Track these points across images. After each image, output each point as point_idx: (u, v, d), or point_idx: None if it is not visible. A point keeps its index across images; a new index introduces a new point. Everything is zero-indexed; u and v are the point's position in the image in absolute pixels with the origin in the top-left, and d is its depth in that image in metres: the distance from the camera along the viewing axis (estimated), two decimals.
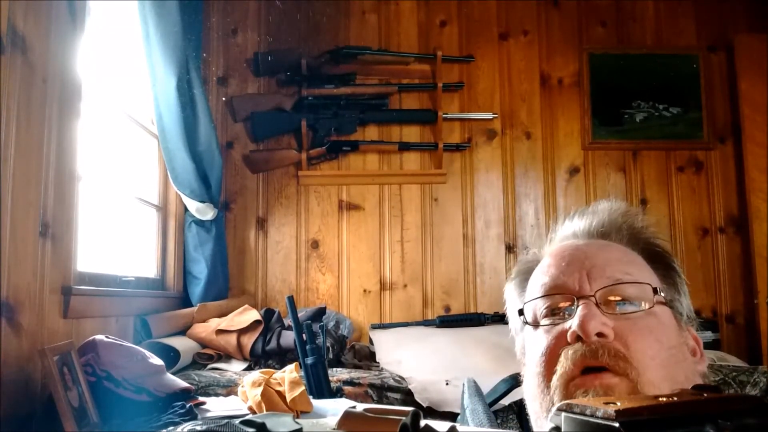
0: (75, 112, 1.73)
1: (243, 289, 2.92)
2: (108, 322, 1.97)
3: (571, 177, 3.07)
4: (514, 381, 1.51)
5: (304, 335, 1.74)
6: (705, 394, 0.36)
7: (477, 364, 2.21)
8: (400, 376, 2.15)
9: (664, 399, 0.35)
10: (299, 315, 1.98)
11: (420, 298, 2.96)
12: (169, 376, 1.62)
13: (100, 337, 1.55)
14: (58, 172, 1.62)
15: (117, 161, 2.26)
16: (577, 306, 0.67)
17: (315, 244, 2.97)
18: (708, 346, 2.75)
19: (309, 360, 1.71)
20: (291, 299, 1.81)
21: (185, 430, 0.31)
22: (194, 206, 2.54)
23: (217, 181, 2.61)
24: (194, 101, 2.49)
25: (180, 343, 2.21)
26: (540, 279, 0.74)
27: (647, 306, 0.68)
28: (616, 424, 0.31)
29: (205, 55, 2.93)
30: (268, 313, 2.40)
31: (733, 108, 3.08)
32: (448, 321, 2.73)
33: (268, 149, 3.00)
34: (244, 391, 1.55)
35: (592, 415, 0.33)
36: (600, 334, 0.65)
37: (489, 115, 3.05)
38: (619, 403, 0.33)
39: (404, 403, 2.01)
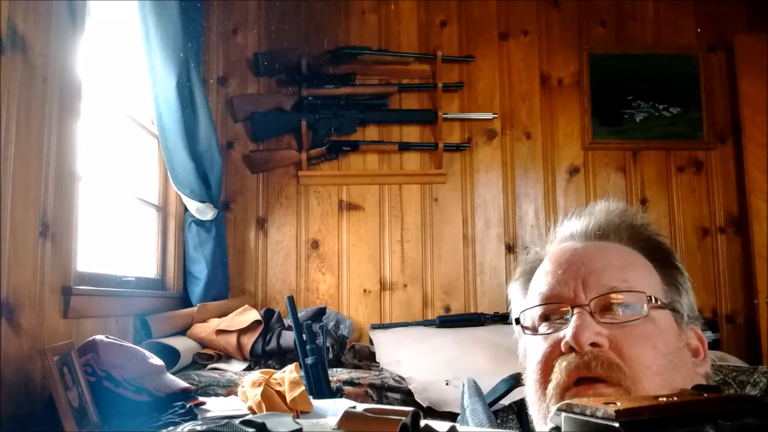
0: (75, 112, 1.73)
1: (243, 289, 2.92)
2: (108, 322, 1.97)
3: (571, 177, 3.07)
4: (514, 381, 1.51)
5: (304, 335, 1.74)
6: (705, 394, 0.36)
7: (477, 364, 2.21)
8: (400, 376, 2.15)
9: (664, 399, 0.35)
10: (299, 315, 1.98)
11: (420, 298, 2.96)
12: (169, 376, 1.62)
13: (100, 337, 1.55)
14: (58, 172, 1.62)
15: (117, 161, 2.26)
16: (572, 315, 0.67)
17: (315, 244, 2.97)
18: (708, 346, 2.75)
19: (309, 360, 1.71)
20: (291, 299, 1.81)
21: (185, 430, 0.31)
22: (194, 206, 2.54)
23: (217, 181, 2.61)
24: (194, 101, 2.49)
25: (180, 343, 2.21)
26: (538, 286, 0.74)
27: (644, 311, 0.67)
28: (616, 424, 0.31)
29: (205, 55, 2.93)
30: (268, 313, 2.40)
31: (733, 108, 3.08)
32: (448, 321, 2.73)
33: (268, 149, 3.00)
34: (244, 391, 1.55)
35: (592, 415, 0.33)
36: (594, 344, 0.65)
37: (489, 115, 3.05)
38: (619, 403, 0.33)
39: (404, 403, 2.01)
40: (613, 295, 0.68)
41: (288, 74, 3.00)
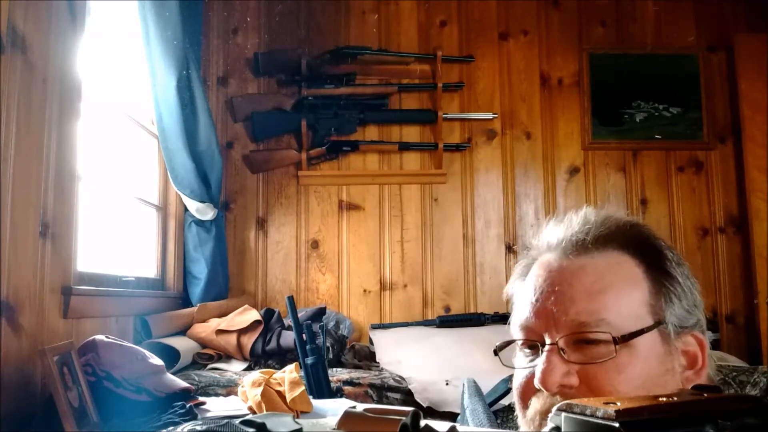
0: (75, 112, 1.73)
1: (243, 289, 2.92)
2: (108, 322, 1.97)
3: (571, 177, 3.07)
4: None
5: (304, 335, 1.74)
6: (705, 394, 0.36)
7: (477, 364, 2.21)
8: (400, 376, 2.15)
9: (664, 399, 0.35)
10: (299, 315, 1.98)
11: (420, 298, 2.96)
12: (169, 376, 1.62)
13: (100, 337, 1.55)
14: (58, 172, 1.62)
15: (117, 161, 2.26)
16: (542, 353, 0.68)
17: (315, 244, 2.97)
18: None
19: (309, 360, 1.72)
20: (291, 299, 1.81)
21: (185, 430, 0.31)
22: (194, 206, 2.54)
23: (217, 181, 2.61)
24: (194, 101, 2.49)
25: (180, 343, 2.21)
26: (518, 314, 0.75)
27: (612, 353, 0.65)
28: (616, 424, 0.31)
29: (205, 55, 2.93)
30: (268, 313, 2.40)
31: (733, 108, 3.08)
32: (448, 321, 2.73)
33: (268, 149, 3.00)
34: (244, 391, 1.55)
35: (592, 415, 0.33)
36: (563, 386, 0.65)
37: (489, 115, 3.05)
38: (619, 403, 0.33)
39: (404, 403, 2.01)
40: (582, 332, 0.66)
41: (288, 74, 3.00)
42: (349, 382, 1.99)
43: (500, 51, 3.12)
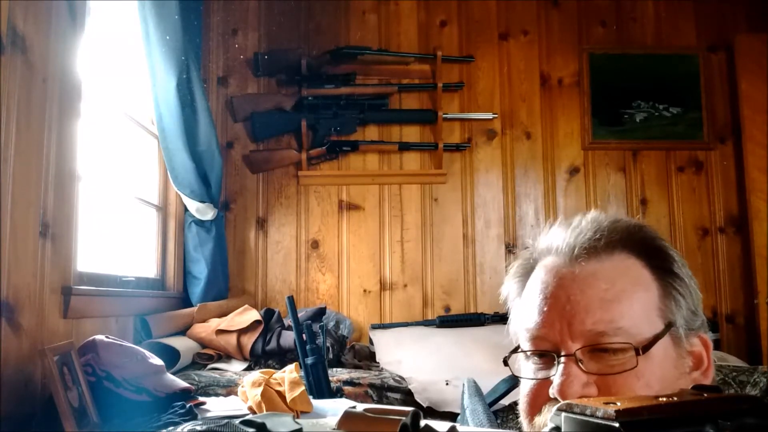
0: (75, 112, 1.73)
1: (243, 289, 2.92)
2: (108, 322, 1.97)
3: (571, 177, 3.07)
4: (514, 381, 1.51)
5: (304, 335, 1.74)
6: (705, 394, 0.36)
7: (477, 364, 2.21)
8: (400, 376, 2.15)
9: (664, 399, 0.35)
10: (299, 315, 1.98)
11: (420, 298, 2.96)
12: (169, 376, 1.62)
13: (100, 337, 1.55)
14: (58, 172, 1.62)
15: (117, 161, 2.26)
16: (558, 363, 0.66)
17: (315, 244, 2.97)
18: None
19: (309, 360, 1.72)
20: (291, 299, 1.81)
21: (185, 430, 0.31)
22: (194, 206, 2.54)
23: (217, 181, 2.61)
24: (194, 101, 2.49)
25: (180, 343, 2.21)
26: (525, 321, 0.72)
27: (633, 363, 0.65)
28: (616, 424, 0.31)
29: (205, 55, 2.93)
30: (268, 313, 2.40)
31: (733, 108, 3.08)
32: (448, 321, 2.73)
33: (268, 149, 3.00)
34: (244, 391, 1.55)
35: (592, 415, 0.33)
36: (582, 396, 0.64)
37: (489, 115, 3.05)
38: (619, 403, 0.33)
39: (404, 403, 2.01)
40: (600, 343, 0.66)
41: (288, 74, 3.00)
42: (349, 382, 1.99)
43: (500, 51, 3.12)
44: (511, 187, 3.06)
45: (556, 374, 0.66)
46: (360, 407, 0.32)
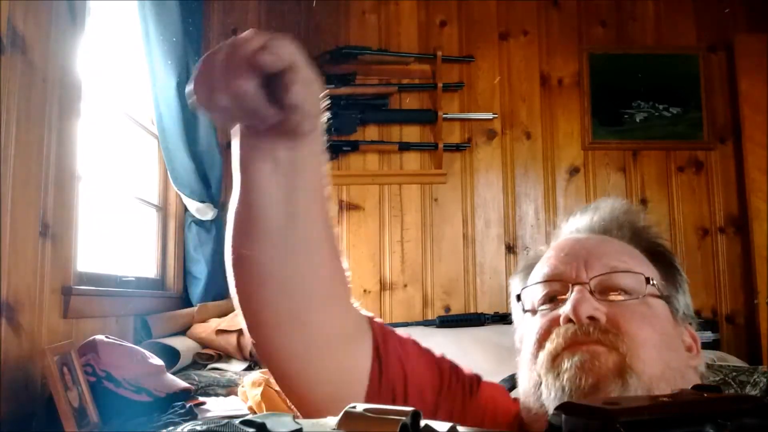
0: (75, 112, 1.73)
1: None
2: (108, 322, 1.97)
3: (571, 177, 3.07)
4: (515, 381, 1.51)
5: None
6: (705, 394, 0.36)
7: (477, 364, 2.20)
8: None
9: (665, 399, 0.35)
10: None
11: (420, 298, 2.96)
12: (169, 376, 1.62)
13: (100, 337, 1.55)
14: (58, 172, 1.62)
15: (117, 161, 2.26)
16: (571, 292, 0.69)
17: None
18: (708, 346, 2.75)
19: None
20: None
21: (185, 430, 0.31)
22: (194, 206, 2.54)
23: (217, 181, 2.61)
24: None
25: (180, 343, 2.21)
26: (540, 269, 0.76)
27: (644, 291, 0.69)
28: (617, 425, 0.31)
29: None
30: None
31: (733, 108, 3.08)
32: (448, 321, 2.73)
33: None
34: (244, 391, 1.55)
35: (592, 415, 0.33)
36: (591, 318, 0.66)
37: (489, 115, 3.05)
38: (619, 403, 0.33)
39: None
40: (613, 275, 0.69)
41: None
42: None
43: (500, 51, 3.12)
44: (511, 187, 3.06)
45: (569, 300, 0.68)
46: (360, 407, 0.32)
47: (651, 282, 0.70)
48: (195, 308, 2.44)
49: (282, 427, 0.31)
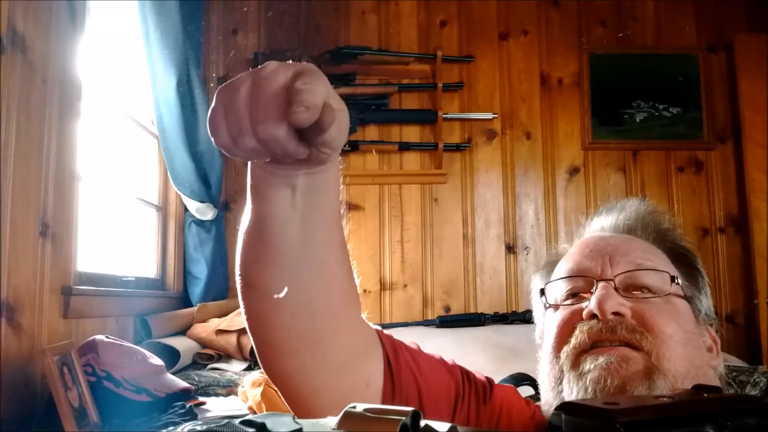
0: (75, 112, 1.73)
1: None
2: (108, 322, 1.97)
3: (571, 177, 3.07)
4: (514, 381, 1.51)
5: None
6: (705, 394, 0.36)
7: (477, 364, 2.20)
8: None
9: (665, 399, 0.35)
10: None
11: (420, 298, 2.96)
12: (169, 376, 1.62)
13: (100, 337, 1.55)
14: (58, 172, 1.62)
15: (117, 161, 2.26)
16: (596, 288, 0.68)
17: None
18: None
19: None
20: None
21: (185, 430, 0.31)
22: (194, 206, 2.54)
23: (217, 181, 2.61)
24: (194, 101, 2.49)
25: (180, 343, 2.21)
26: (564, 264, 0.76)
27: (668, 289, 0.69)
28: (617, 425, 0.31)
29: (205, 55, 2.93)
30: None
31: (733, 108, 3.08)
32: (448, 321, 2.73)
33: None
34: (244, 391, 1.55)
35: (592, 415, 0.33)
36: (616, 313, 0.66)
37: (489, 115, 3.05)
38: (619, 403, 0.33)
39: None
40: (638, 273, 0.69)
41: None
42: None
43: (500, 51, 3.12)
44: (511, 187, 3.06)
45: (594, 295, 0.68)
46: (360, 407, 0.32)
47: (676, 281, 0.70)
48: (195, 308, 2.44)
49: (282, 427, 0.31)
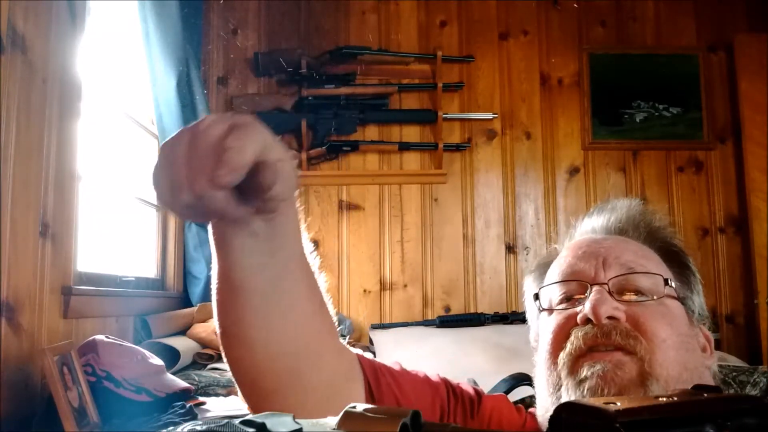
0: (75, 112, 1.73)
1: None
2: (108, 322, 1.97)
3: (571, 177, 3.07)
4: (515, 381, 1.51)
5: None
6: (705, 394, 0.36)
7: (477, 364, 2.21)
8: None
9: (664, 399, 0.35)
10: None
11: (420, 298, 2.96)
12: (169, 376, 1.62)
13: (100, 337, 1.55)
14: (58, 172, 1.62)
15: (117, 161, 2.26)
16: (590, 292, 0.69)
17: (315, 244, 2.96)
18: None
19: None
20: None
21: (185, 430, 0.31)
22: None
23: None
24: (194, 101, 2.49)
25: (180, 343, 2.21)
26: (557, 267, 0.76)
27: (662, 292, 0.70)
28: (616, 424, 0.31)
29: (205, 55, 2.93)
30: None
31: (733, 108, 3.08)
32: (448, 321, 2.73)
33: None
34: None
35: (592, 415, 0.33)
36: (611, 318, 0.66)
37: (489, 115, 3.05)
38: (619, 403, 0.33)
39: None
40: (632, 276, 0.70)
41: (288, 74, 3.00)
42: None
43: (500, 51, 3.12)
44: (511, 187, 3.06)
45: (588, 299, 0.68)
46: (360, 407, 0.32)
47: (669, 283, 0.70)
48: (195, 308, 2.44)
49: (282, 427, 0.31)
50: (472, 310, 2.91)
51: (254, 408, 0.65)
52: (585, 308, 0.67)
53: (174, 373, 1.80)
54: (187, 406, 1.49)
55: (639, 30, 3.16)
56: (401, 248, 2.99)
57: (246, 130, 0.48)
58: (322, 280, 0.68)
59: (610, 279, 0.69)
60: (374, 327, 2.74)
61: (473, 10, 3.14)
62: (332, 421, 0.32)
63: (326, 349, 0.66)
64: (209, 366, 2.21)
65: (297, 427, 0.31)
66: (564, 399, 0.66)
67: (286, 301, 0.61)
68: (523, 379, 1.44)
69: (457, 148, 3.02)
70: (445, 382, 0.76)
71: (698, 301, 0.75)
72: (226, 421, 0.31)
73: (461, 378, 1.60)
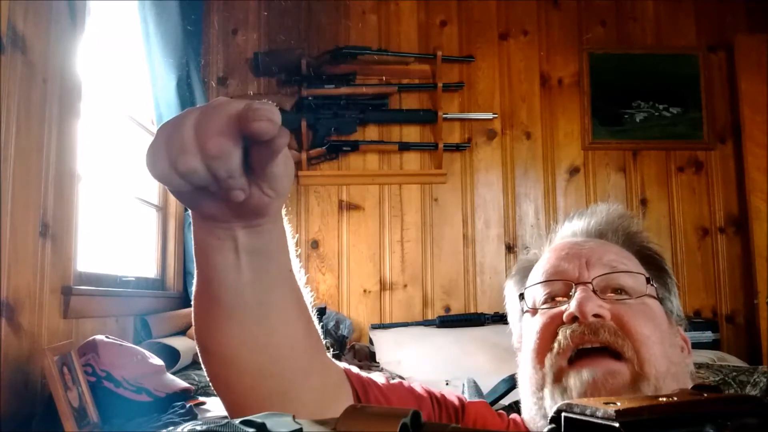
0: (75, 112, 1.73)
1: None
2: (108, 322, 1.97)
3: (571, 177, 3.07)
4: (514, 381, 1.51)
5: None
6: (705, 394, 0.36)
7: (477, 364, 2.21)
8: (400, 376, 2.15)
9: (664, 399, 0.35)
10: None
11: (420, 298, 2.96)
12: (169, 376, 1.62)
13: (100, 337, 1.55)
14: (58, 172, 1.62)
15: (117, 161, 2.26)
16: (575, 291, 0.70)
17: (315, 244, 2.97)
18: (708, 346, 2.75)
19: None
20: None
21: (185, 430, 0.31)
22: None
23: None
24: (194, 101, 2.49)
25: (180, 343, 2.21)
26: (540, 268, 0.77)
27: (644, 290, 0.71)
28: (616, 424, 0.31)
29: (205, 55, 2.93)
30: None
31: (733, 108, 3.08)
32: (448, 321, 2.73)
33: None
34: None
35: (591, 415, 0.33)
36: (597, 316, 0.67)
37: (489, 115, 3.05)
38: (619, 403, 0.33)
39: None
40: (615, 275, 0.71)
41: (288, 74, 3.00)
42: None
43: (500, 51, 3.12)
44: (511, 187, 3.06)
45: (574, 298, 0.69)
46: (360, 407, 0.32)
47: (650, 282, 0.72)
48: None
49: (282, 427, 0.31)
50: (472, 310, 2.91)
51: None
52: (571, 306, 0.68)
53: (174, 373, 1.80)
54: (187, 406, 1.49)
55: (639, 30, 3.16)
56: (401, 248, 2.99)
57: (272, 108, 0.45)
58: (309, 297, 0.65)
59: (594, 278, 0.70)
60: (374, 327, 2.74)
61: (473, 10, 3.14)
62: (332, 420, 0.32)
63: (314, 367, 0.64)
64: None
65: (297, 427, 0.31)
66: (548, 403, 0.67)
67: (270, 322, 0.58)
68: None
69: (457, 148, 3.02)
70: (429, 393, 0.75)
71: (675, 303, 0.77)
72: (226, 421, 0.31)
73: (461, 378, 1.61)
